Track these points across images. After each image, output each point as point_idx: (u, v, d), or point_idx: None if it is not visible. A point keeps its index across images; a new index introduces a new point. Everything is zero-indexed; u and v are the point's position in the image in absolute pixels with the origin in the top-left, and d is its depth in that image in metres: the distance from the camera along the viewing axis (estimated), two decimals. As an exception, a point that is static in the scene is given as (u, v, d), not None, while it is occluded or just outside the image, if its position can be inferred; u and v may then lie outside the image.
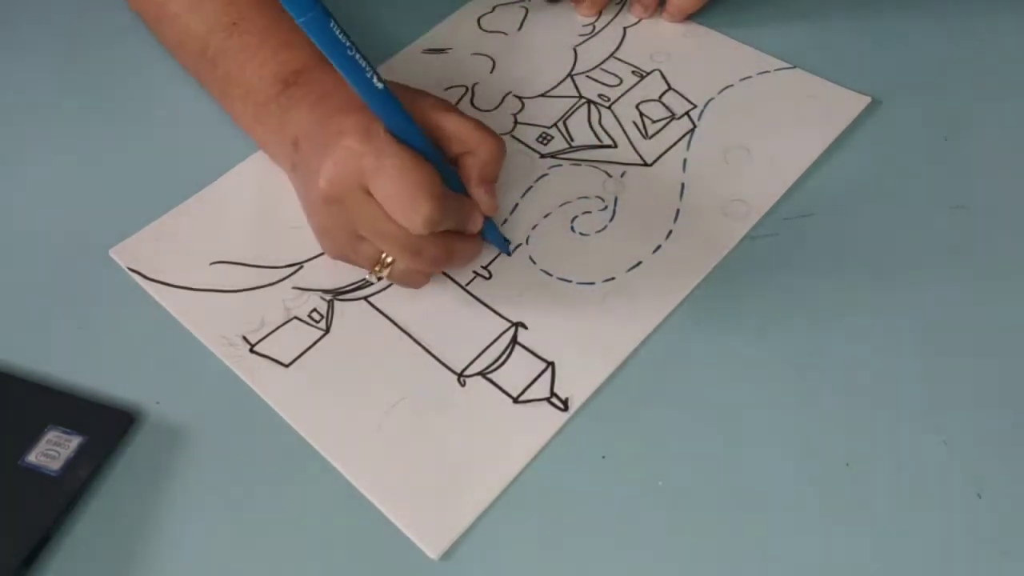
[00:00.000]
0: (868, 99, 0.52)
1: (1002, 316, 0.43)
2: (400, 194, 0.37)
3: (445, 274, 0.45)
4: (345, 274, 0.45)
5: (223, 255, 0.47)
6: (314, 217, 0.42)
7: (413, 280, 0.43)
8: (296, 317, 0.44)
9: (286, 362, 0.42)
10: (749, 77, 0.54)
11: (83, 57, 0.58)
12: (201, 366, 0.42)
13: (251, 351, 0.43)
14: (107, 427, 0.40)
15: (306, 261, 0.46)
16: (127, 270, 0.46)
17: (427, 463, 0.39)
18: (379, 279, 0.42)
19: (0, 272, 0.46)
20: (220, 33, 0.46)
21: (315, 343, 0.43)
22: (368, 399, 0.41)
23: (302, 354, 0.43)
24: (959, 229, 0.46)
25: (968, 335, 0.42)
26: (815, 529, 0.37)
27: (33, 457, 0.38)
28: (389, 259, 0.41)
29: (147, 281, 0.45)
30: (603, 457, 0.39)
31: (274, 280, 0.46)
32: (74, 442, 0.39)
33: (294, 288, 0.45)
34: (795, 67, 0.54)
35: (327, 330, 0.44)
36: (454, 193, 0.40)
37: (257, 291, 0.45)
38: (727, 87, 0.54)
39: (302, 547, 0.37)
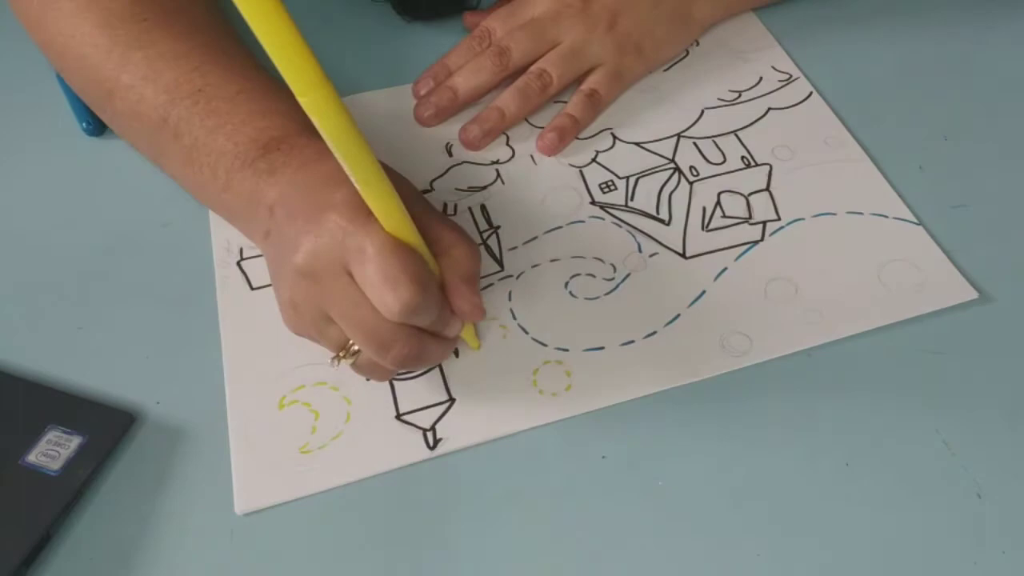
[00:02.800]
0: (975, 294, 0.43)
1: (1002, 316, 0.43)
2: (382, 276, 0.35)
3: None
4: None
5: None
6: (284, 290, 0.39)
7: (377, 373, 0.40)
8: None
9: (254, 285, 0.45)
10: (860, 214, 0.47)
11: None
12: (201, 366, 0.42)
13: (238, 263, 0.45)
14: (107, 427, 0.40)
15: None
16: None
17: (296, 428, 0.40)
18: (339, 365, 0.39)
19: (0, 272, 0.46)
20: (184, 101, 0.42)
21: None
22: (293, 348, 0.42)
23: (269, 284, 0.43)
24: (959, 229, 0.46)
25: (969, 335, 0.42)
26: (815, 529, 0.37)
27: (33, 457, 0.38)
28: (355, 347, 0.38)
29: None
30: (603, 457, 0.39)
31: None
32: (74, 442, 0.39)
33: None
34: (920, 224, 0.46)
35: None
36: (438, 289, 0.37)
37: None
38: (826, 214, 0.47)
39: (303, 545, 0.37)
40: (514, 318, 0.43)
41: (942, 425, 0.39)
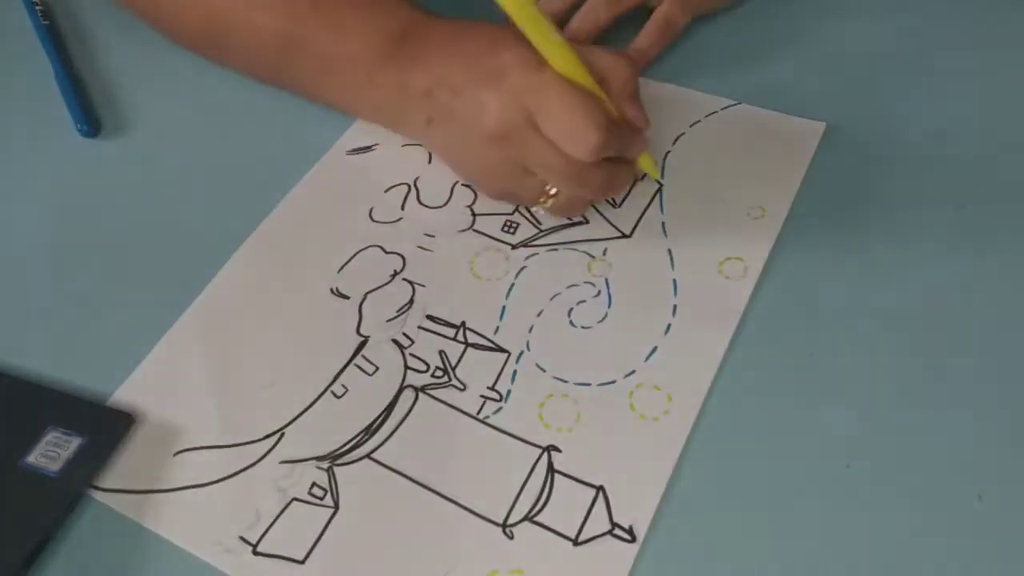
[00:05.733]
0: (823, 125, 0.49)
1: (1002, 316, 0.43)
2: (569, 127, 0.39)
3: (459, 409, 0.40)
4: (337, 432, 0.39)
5: (186, 440, 0.40)
6: (475, 159, 0.44)
7: (576, 207, 0.45)
8: (295, 498, 0.37)
9: (300, 558, 0.36)
10: (698, 121, 0.51)
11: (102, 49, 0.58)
12: (201, 366, 0.42)
13: (255, 553, 0.36)
14: (107, 427, 0.40)
15: (287, 425, 0.40)
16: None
17: None
18: (544, 210, 0.45)
19: (0, 272, 0.46)
20: (302, 17, 0.46)
21: (327, 525, 0.37)
22: None
23: (316, 543, 0.36)
24: (959, 229, 0.46)
25: (968, 335, 0.42)
26: (815, 529, 0.37)
27: (33, 458, 0.38)
28: (553, 190, 0.43)
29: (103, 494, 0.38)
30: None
31: (256, 458, 0.39)
32: (74, 443, 0.39)
33: (283, 463, 0.39)
34: (740, 103, 0.52)
35: (336, 506, 0.37)
36: (615, 121, 0.41)
37: (240, 476, 0.38)
38: (680, 135, 0.50)
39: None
40: (565, 382, 0.41)
41: (942, 426, 0.39)
